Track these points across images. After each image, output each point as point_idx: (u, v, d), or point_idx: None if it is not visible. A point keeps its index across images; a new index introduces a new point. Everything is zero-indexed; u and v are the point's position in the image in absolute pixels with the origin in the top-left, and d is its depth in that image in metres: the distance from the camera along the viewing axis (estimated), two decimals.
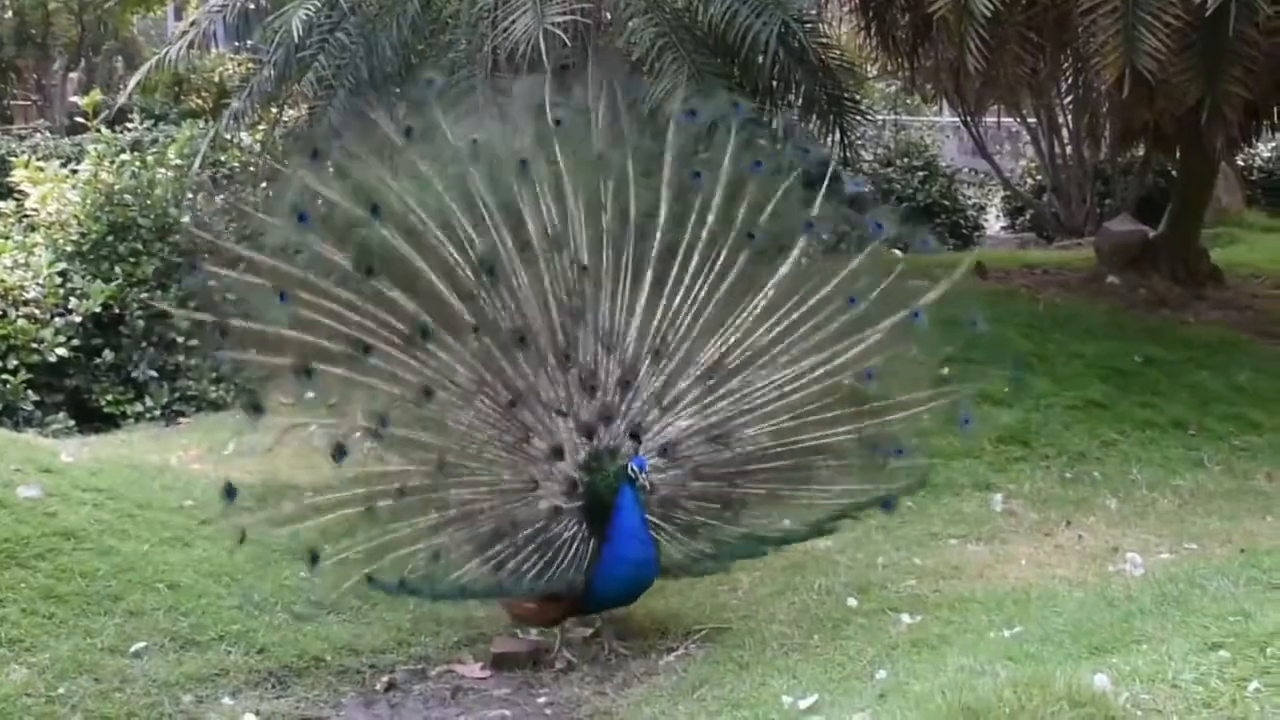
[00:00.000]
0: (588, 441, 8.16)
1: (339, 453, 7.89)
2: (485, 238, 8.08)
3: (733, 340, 8.27)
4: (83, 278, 14.01)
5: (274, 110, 16.31)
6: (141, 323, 13.98)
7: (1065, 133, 23.12)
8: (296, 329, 7.96)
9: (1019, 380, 8.24)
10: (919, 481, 8.67)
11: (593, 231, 8.24)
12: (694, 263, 8.33)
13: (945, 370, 8.50)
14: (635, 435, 8.08)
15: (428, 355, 8.03)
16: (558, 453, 8.17)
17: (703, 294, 8.31)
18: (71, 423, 13.42)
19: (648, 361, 8.23)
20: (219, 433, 11.96)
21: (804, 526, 8.52)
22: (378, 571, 7.84)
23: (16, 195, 15.70)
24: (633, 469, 7.73)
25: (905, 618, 7.96)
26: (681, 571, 8.44)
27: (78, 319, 13.72)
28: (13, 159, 16.72)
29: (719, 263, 8.33)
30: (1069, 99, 19.98)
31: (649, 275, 8.28)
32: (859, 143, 16.28)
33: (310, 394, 8.04)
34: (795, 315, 8.32)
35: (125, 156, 15.48)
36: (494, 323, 8.09)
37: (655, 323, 8.25)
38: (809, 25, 14.50)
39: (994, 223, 26.15)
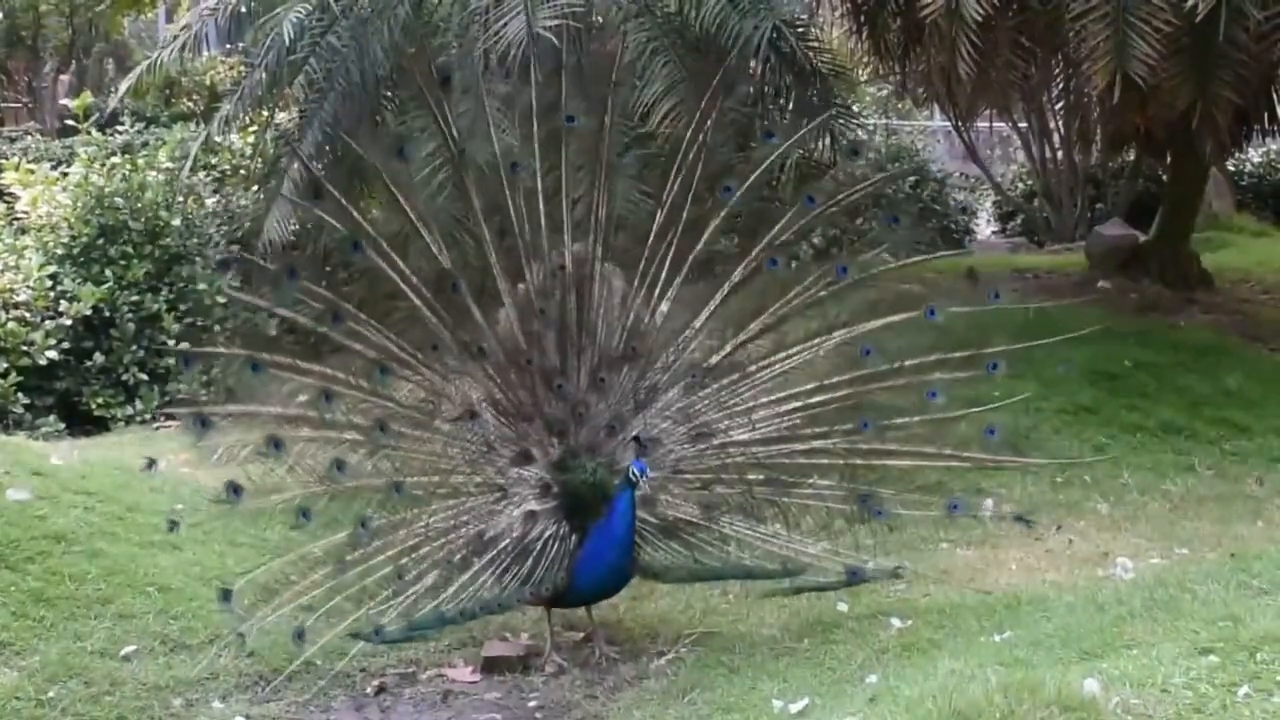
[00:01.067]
0: (559, 441, 8.21)
1: (303, 515, 8.04)
2: (464, 245, 8.25)
3: (728, 347, 8.30)
4: (73, 280, 13.98)
5: (265, 113, 16.29)
6: (132, 325, 13.96)
7: (1056, 137, 23.10)
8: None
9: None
10: (892, 574, 8.64)
11: (579, 232, 8.28)
12: (704, 269, 8.38)
13: (935, 375, 8.46)
14: (636, 437, 8.07)
15: (385, 390, 8.17)
16: (526, 457, 8.22)
17: (698, 298, 8.34)
18: (61, 425, 13.39)
19: (625, 359, 8.26)
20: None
21: (774, 564, 8.44)
22: (359, 625, 7.85)
23: (7, 198, 15.67)
24: (634, 472, 7.72)
25: (896, 622, 7.96)
26: (658, 577, 8.46)
27: (68, 321, 13.70)
28: (3, 161, 16.67)
29: (730, 272, 8.35)
30: (1060, 104, 20.04)
31: (635, 276, 8.30)
32: (850, 147, 16.21)
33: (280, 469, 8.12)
34: (795, 339, 8.32)
35: (116, 159, 15.45)
36: (456, 338, 8.20)
37: (637, 322, 8.28)
38: (800, 29, 14.51)
39: (985, 227, 26.14)
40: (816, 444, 8.26)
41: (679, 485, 8.28)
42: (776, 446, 8.27)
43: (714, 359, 8.29)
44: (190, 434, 8.22)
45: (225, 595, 8.02)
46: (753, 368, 8.27)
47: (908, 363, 8.16)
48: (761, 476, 8.26)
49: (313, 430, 8.13)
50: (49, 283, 13.88)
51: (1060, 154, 23.27)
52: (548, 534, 8.09)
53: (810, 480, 8.32)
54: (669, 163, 8.42)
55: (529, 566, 8.02)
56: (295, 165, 13.33)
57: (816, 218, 8.49)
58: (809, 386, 8.24)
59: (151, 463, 8.57)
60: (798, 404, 8.25)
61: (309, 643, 7.79)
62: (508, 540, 8.06)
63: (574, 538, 8.06)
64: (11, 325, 13.41)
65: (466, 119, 8.46)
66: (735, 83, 8.96)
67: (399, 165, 8.33)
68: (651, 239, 8.28)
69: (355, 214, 8.27)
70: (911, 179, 23.28)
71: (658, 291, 8.28)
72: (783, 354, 8.27)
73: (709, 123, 8.38)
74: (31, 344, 13.40)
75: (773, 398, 8.26)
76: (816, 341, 8.26)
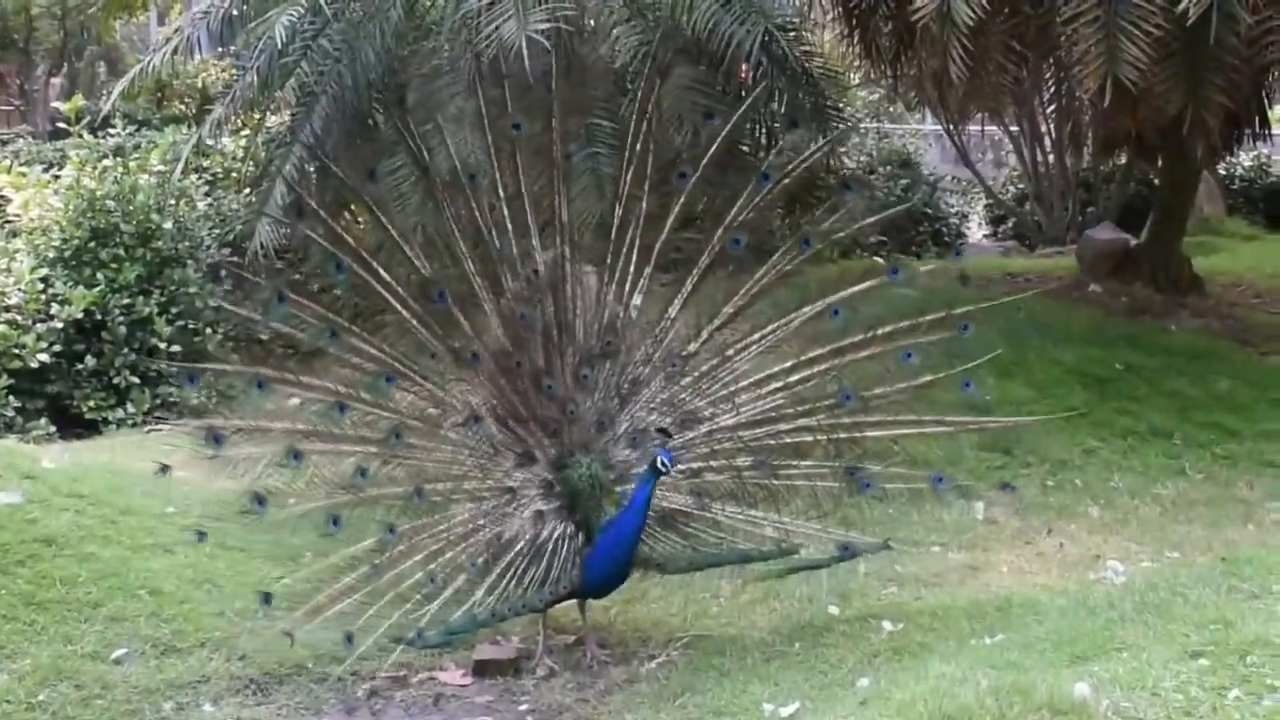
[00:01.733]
0: (553, 440, 8.30)
1: (334, 522, 8.15)
2: (438, 259, 8.37)
3: (704, 334, 8.36)
4: (65, 283, 13.97)
5: (257, 116, 16.28)
6: (123, 329, 13.95)
7: (1047, 141, 23.12)
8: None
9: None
10: (882, 545, 8.63)
11: (545, 233, 8.37)
12: (663, 258, 8.46)
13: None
14: (663, 429, 8.16)
15: (388, 402, 8.32)
16: (529, 458, 8.31)
17: (670, 288, 8.45)
18: (53, 429, 13.39)
19: (604, 356, 8.34)
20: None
21: (769, 546, 8.47)
22: (400, 628, 7.91)
23: None
24: (662, 462, 7.75)
25: (887, 625, 7.96)
26: (661, 569, 8.45)
27: (59, 325, 13.68)
28: None
29: (690, 257, 8.45)
30: (1051, 107, 20.03)
31: (608, 269, 8.39)
32: (842, 151, 16.23)
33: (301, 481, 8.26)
34: (768, 318, 8.38)
35: (108, 162, 15.45)
36: (448, 346, 8.33)
37: (612, 318, 8.36)
38: (791, 33, 14.50)
39: (976, 231, 26.16)
40: (801, 422, 8.30)
41: (670, 475, 8.30)
42: (763, 429, 8.32)
43: (692, 346, 8.36)
44: (205, 449, 8.24)
45: (266, 598, 8.20)
46: (730, 351, 8.34)
47: (880, 330, 8.19)
48: (749, 460, 8.31)
49: (323, 443, 8.26)
50: (40, 286, 13.86)
51: (1051, 157, 23.30)
52: (557, 534, 8.18)
53: (797, 460, 8.36)
54: (619, 156, 8.51)
55: (544, 567, 8.11)
56: (287, 168, 13.34)
57: (771, 193, 8.49)
58: (787, 365, 8.31)
59: (165, 468, 8.58)
60: (778, 384, 8.31)
61: (357, 646, 7.85)
62: (522, 542, 8.15)
63: (580, 535, 8.14)
64: (3, 328, 13.39)
65: (453, 129, 8.59)
66: (670, 67, 9.00)
67: (374, 185, 8.60)
68: (614, 234, 8.38)
69: (339, 230, 8.46)
70: (904, 182, 23.34)
71: (628, 286, 8.38)
72: (758, 334, 8.34)
73: (650, 111, 8.45)
74: (23, 347, 13.38)
75: (753, 379, 8.32)
76: (788, 318, 8.31)
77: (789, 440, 8.32)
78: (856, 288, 8.34)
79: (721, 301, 8.37)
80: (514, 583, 8.05)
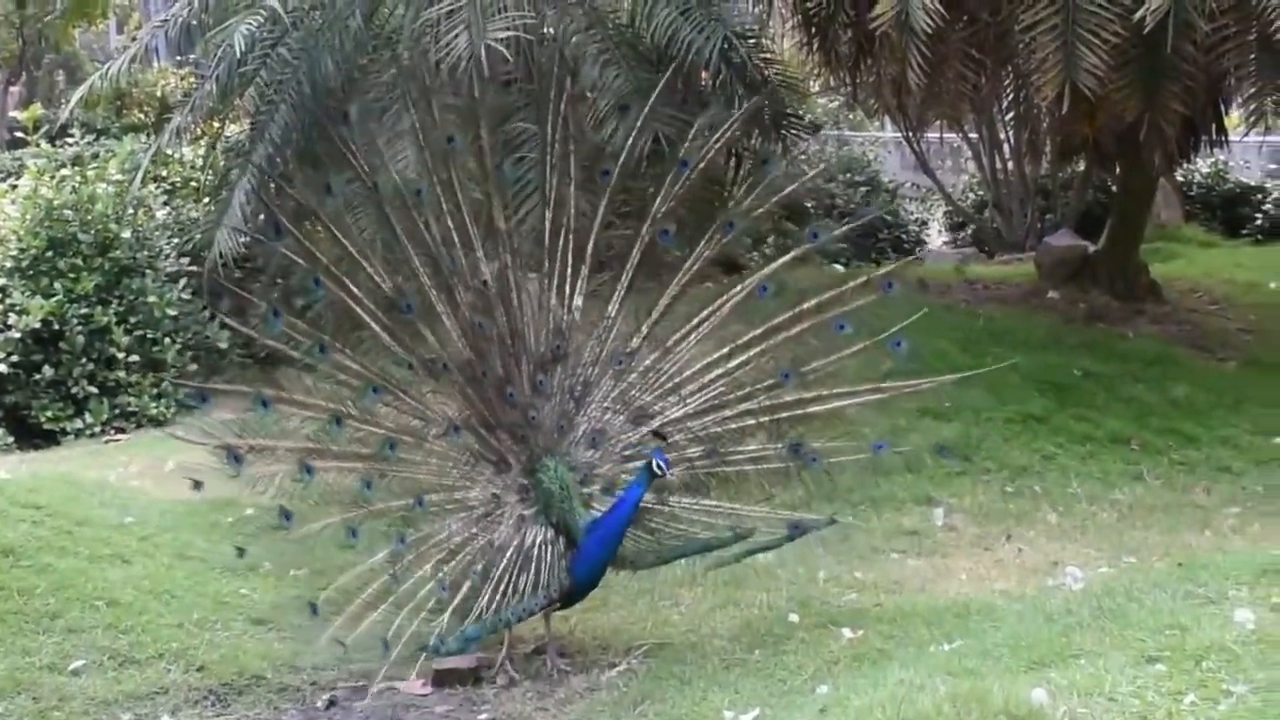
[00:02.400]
0: (521, 446, 8.37)
1: (352, 534, 8.32)
2: (398, 273, 8.47)
3: (645, 328, 8.47)
4: (22, 293, 13.91)
5: (216, 125, 16.24)
6: (81, 338, 13.89)
7: (1006, 148, 23.20)
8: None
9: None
10: (829, 520, 8.67)
11: (488, 244, 8.44)
12: (597, 257, 8.58)
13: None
14: (656, 431, 8.23)
15: (380, 412, 8.45)
16: (504, 464, 8.41)
17: (608, 286, 8.53)
18: (10, 439, 13.33)
19: (555, 360, 8.40)
20: (158, 449, 11.88)
21: (725, 533, 8.50)
22: (420, 637, 8.00)
23: None
24: (658, 465, 7.82)
25: (846, 632, 7.97)
26: (632, 565, 8.50)
27: (17, 335, 13.62)
28: None
29: (622, 254, 8.56)
30: (1010, 115, 20.07)
31: (546, 274, 8.48)
32: (801, 158, 16.27)
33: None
34: (701, 305, 8.51)
35: (66, 171, 15.38)
36: (418, 358, 8.46)
37: (557, 322, 8.44)
38: (751, 40, 14.54)
39: (936, 238, 26.24)
40: (744, 406, 8.41)
41: (630, 474, 8.34)
42: (710, 417, 8.42)
43: (634, 342, 8.47)
44: (226, 467, 8.31)
45: (313, 609, 8.30)
46: (670, 342, 8.44)
47: (808, 304, 8.32)
48: (700, 450, 8.41)
49: (327, 460, 8.36)
50: None
51: (1010, 165, 23.37)
52: (539, 539, 8.24)
53: (743, 445, 8.48)
54: (540, 161, 8.59)
55: (533, 571, 8.17)
56: (246, 178, 13.32)
57: (690, 179, 8.56)
58: (725, 351, 8.40)
59: (198, 484, 8.63)
60: (719, 371, 8.41)
61: (391, 652, 7.94)
62: (511, 548, 8.21)
63: (561, 539, 8.20)
64: None
65: (393, 144, 8.73)
66: (576, 69, 9.07)
67: (333, 201, 8.63)
68: (548, 238, 8.48)
69: (309, 246, 8.53)
70: (863, 189, 23.40)
71: (569, 288, 8.48)
72: (694, 322, 8.46)
73: (563, 112, 8.54)
74: None
75: (695, 369, 8.41)
76: (720, 301, 8.47)
77: (734, 426, 8.44)
78: (780, 260, 8.57)
79: (656, 294, 8.49)
80: (510, 588, 8.11)
